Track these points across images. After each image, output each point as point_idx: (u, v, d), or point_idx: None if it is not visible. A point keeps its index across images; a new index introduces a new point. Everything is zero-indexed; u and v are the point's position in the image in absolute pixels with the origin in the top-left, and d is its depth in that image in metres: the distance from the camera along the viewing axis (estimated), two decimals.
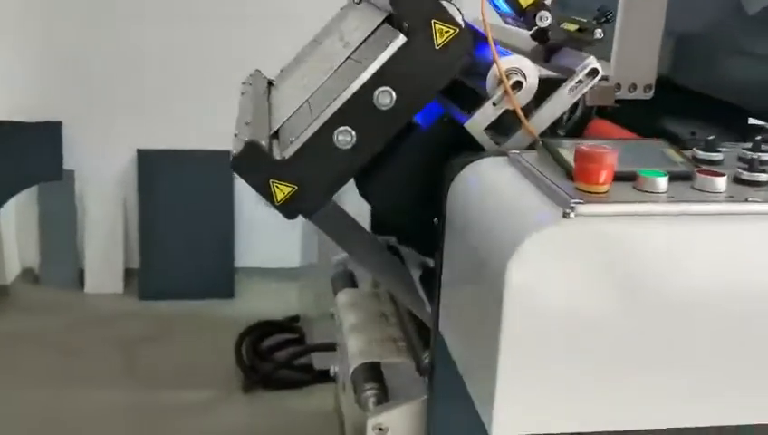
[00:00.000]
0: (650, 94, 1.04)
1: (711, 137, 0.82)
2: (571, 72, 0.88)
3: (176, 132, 2.90)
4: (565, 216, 0.66)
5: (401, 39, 0.83)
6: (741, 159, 0.81)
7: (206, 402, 2.41)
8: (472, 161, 0.85)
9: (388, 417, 0.99)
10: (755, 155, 0.79)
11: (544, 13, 0.90)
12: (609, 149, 0.70)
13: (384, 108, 0.86)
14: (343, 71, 0.92)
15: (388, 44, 0.83)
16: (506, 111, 0.88)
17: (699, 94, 1.12)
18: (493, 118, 0.88)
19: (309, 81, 1.02)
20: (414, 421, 1.00)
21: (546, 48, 0.97)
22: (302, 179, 0.87)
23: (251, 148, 0.86)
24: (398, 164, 0.92)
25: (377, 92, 0.85)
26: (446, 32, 0.83)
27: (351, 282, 1.39)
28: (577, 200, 0.67)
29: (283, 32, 2.02)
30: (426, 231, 0.97)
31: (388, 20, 0.93)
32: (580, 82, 0.87)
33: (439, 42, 0.83)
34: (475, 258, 0.75)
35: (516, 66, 0.87)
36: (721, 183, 0.72)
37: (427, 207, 0.96)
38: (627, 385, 0.69)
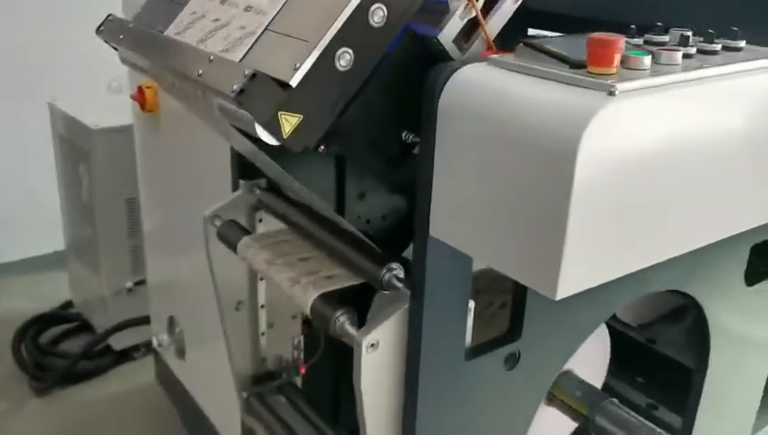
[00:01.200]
0: None
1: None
2: None
3: None
4: (611, 94, 0.78)
5: None
6: (649, 42, 1.00)
7: None
8: (455, 70, 0.91)
9: (379, 332, 1.03)
10: (671, 35, 0.98)
11: None
12: (618, 36, 0.83)
13: (377, 25, 0.87)
14: None
15: None
16: None
17: None
18: (458, 29, 0.95)
19: (239, 12, 0.97)
20: (399, 330, 1.05)
21: None
22: (307, 107, 0.85)
23: (259, 79, 0.81)
24: (375, 89, 0.93)
25: (371, 10, 0.86)
26: None
27: (244, 230, 1.34)
28: (612, 81, 0.79)
29: None
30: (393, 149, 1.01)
31: None
32: None
33: None
34: (513, 149, 0.82)
35: None
36: (679, 57, 0.89)
37: (401, 124, 1.00)
38: (671, 222, 0.88)
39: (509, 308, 1.19)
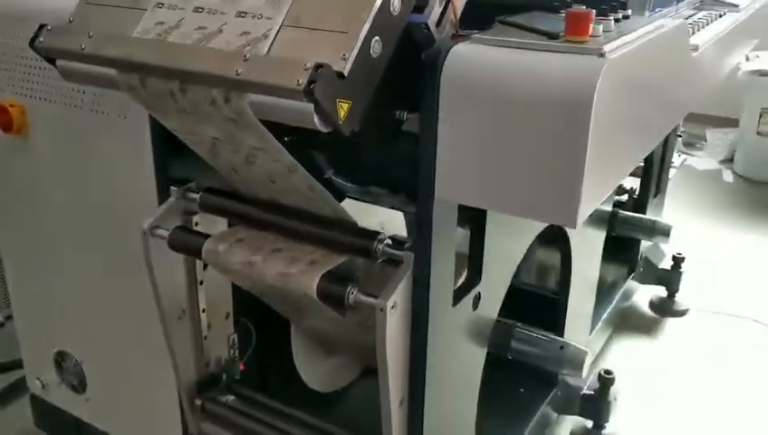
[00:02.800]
0: None
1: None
2: None
3: None
4: (602, 56, 0.98)
5: None
6: None
7: None
8: (449, 48, 1.04)
9: (397, 294, 1.13)
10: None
11: None
12: (589, 10, 1.03)
13: (395, 13, 0.97)
14: None
15: None
16: None
17: None
18: (438, 14, 1.08)
19: (232, 17, 1.01)
20: (408, 288, 1.16)
21: None
22: (354, 94, 0.93)
23: (327, 71, 0.87)
24: None
25: (392, 1, 0.96)
26: None
27: (199, 234, 1.33)
28: (595, 45, 0.99)
29: None
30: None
31: None
32: None
33: None
34: (530, 109, 0.99)
35: None
36: (612, 24, 1.12)
37: (394, 104, 1.11)
38: (640, 133, 1.21)
39: None
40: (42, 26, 1.11)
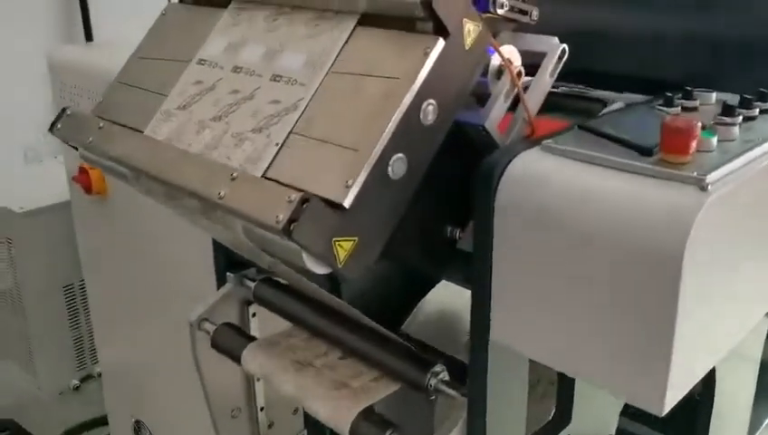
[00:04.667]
0: None
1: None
2: (540, 55, 0.90)
3: None
4: (703, 189, 0.71)
5: (441, 43, 0.74)
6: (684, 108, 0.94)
7: None
8: (510, 160, 0.82)
9: None
10: (701, 98, 0.93)
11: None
12: (694, 119, 0.76)
13: (430, 122, 0.76)
14: (345, 92, 0.78)
15: (428, 52, 0.74)
16: None
17: None
18: (503, 113, 0.86)
19: (243, 114, 0.85)
20: None
21: None
22: (361, 227, 0.73)
23: (312, 206, 0.69)
24: (419, 188, 0.82)
25: (423, 107, 0.75)
26: (474, 30, 0.77)
27: (242, 333, 1.19)
28: (697, 172, 0.72)
29: None
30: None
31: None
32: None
33: (468, 41, 0.77)
34: (600, 251, 0.74)
35: (508, 56, 0.86)
36: (736, 131, 0.83)
37: (445, 220, 0.90)
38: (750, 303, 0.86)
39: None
40: (63, 110, 1.02)
